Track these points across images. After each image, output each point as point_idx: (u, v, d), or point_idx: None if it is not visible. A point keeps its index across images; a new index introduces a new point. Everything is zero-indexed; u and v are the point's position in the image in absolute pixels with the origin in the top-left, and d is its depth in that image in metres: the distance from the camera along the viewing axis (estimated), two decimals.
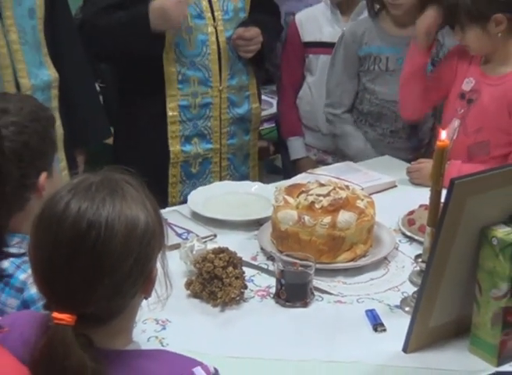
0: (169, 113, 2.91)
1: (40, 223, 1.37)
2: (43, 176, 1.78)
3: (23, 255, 1.70)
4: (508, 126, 2.65)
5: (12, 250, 1.68)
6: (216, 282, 2.03)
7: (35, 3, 2.66)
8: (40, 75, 2.72)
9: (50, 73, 2.76)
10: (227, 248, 2.12)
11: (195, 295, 2.06)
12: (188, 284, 2.07)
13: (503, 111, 2.65)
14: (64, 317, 1.30)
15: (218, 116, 3.01)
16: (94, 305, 1.33)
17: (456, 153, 2.65)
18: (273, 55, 3.40)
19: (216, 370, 1.40)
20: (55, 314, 1.31)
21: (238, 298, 2.03)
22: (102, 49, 2.95)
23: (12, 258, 1.69)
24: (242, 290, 2.05)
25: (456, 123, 2.66)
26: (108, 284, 1.33)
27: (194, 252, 2.12)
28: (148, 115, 2.93)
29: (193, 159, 3.00)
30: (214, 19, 2.90)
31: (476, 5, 2.55)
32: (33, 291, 1.63)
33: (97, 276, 1.32)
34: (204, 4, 2.86)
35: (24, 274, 1.67)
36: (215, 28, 2.90)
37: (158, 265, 1.45)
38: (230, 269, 2.04)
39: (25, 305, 1.67)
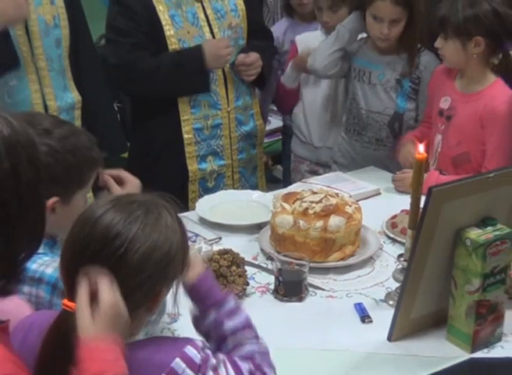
0: (185, 136, 2.89)
1: (78, 221, 1.38)
2: (52, 199, 1.72)
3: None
4: (482, 138, 2.65)
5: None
6: (221, 280, 2.02)
7: (61, 34, 2.67)
8: (65, 98, 2.72)
9: (74, 96, 2.76)
10: (231, 250, 2.13)
11: None
12: None
13: (477, 124, 2.64)
14: (72, 305, 1.31)
15: (228, 134, 2.99)
16: None
17: (442, 164, 2.66)
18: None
19: (203, 342, 1.40)
20: (65, 301, 1.32)
21: (241, 294, 2.04)
22: (143, 90, 2.92)
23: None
24: (244, 286, 2.05)
25: (438, 137, 2.67)
26: (119, 290, 1.32)
27: (202, 253, 2.11)
28: (164, 137, 2.90)
29: (209, 175, 2.98)
30: None
31: (466, 22, 2.55)
32: (48, 271, 1.65)
33: (118, 277, 1.32)
34: (208, 35, 2.85)
35: (35, 264, 1.66)
36: None
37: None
38: (234, 268, 2.05)
39: (54, 287, 1.66)
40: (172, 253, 1.37)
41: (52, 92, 2.68)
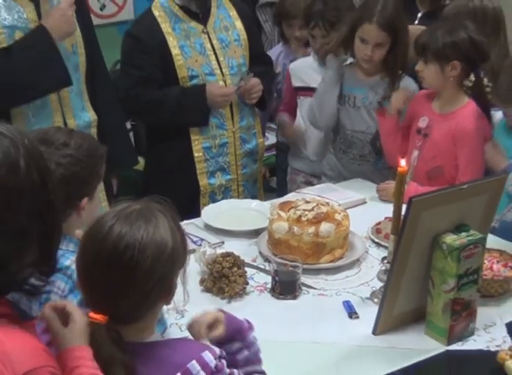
0: (195, 154, 2.89)
1: (87, 238, 1.37)
2: (84, 200, 1.77)
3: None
4: (455, 153, 2.65)
5: (61, 247, 1.67)
6: (224, 279, 2.03)
7: (79, 60, 2.67)
8: (82, 117, 2.72)
9: (90, 115, 2.76)
10: (232, 253, 2.13)
11: (207, 290, 2.06)
12: (201, 281, 2.08)
13: (450, 142, 2.65)
14: (98, 317, 1.31)
15: (233, 152, 2.99)
16: (122, 311, 1.33)
17: (417, 177, 2.66)
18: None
19: (221, 351, 1.38)
20: (91, 314, 1.32)
21: (241, 292, 2.04)
22: (149, 120, 2.96)
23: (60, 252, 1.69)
24: (244, 285, 2.06)
25: (415, 153, 2.67)
26: (135, 295, 1.33)
27: (206, 256, 2.11)
28: (176, 155, 2.89)
29: (218, 189, 2.97)
30: (222, 74, 2.88)
31: (444, 48, 2.56)
32: None
33: (126, 287, 1.32)
34: (214, 63, 2.84)
35: (68, 260, 1.66)
36: (225, 82, 2.88)
37: (179, 280, 1.43)
38: (235, 269, 2.05)
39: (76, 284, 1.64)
40: (175, 249, 1.37)
41: (71, 111, 2.67)
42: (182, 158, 2.89)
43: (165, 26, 2.78)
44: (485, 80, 2.82)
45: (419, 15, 3.32)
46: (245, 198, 2.96)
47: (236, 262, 2.08)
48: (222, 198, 2.97)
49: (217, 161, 2.93)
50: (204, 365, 1.32)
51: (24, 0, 2.48)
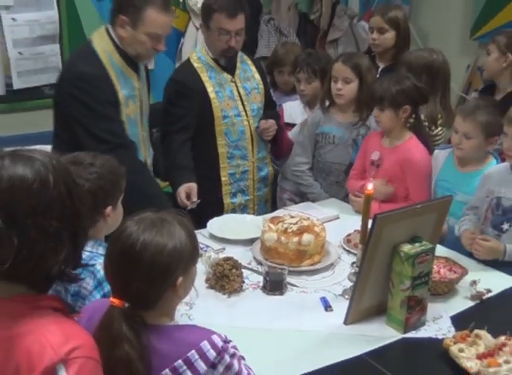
0: (223, 179, 2.89)
1: (113, 240, 1.40)
2: (109, 208, 1.78)
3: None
4: (404, 178, 2.67)
5: (87, 249, 1.68)
6: (225, 279, 2.04)
7: (148, 112, 2.71)
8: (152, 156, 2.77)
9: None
10: (232, 257, 2.13)
11: (211, 287, 2.06)
12: (206, 280, 2.08)
13: (399, 169, 2.67)
14: (115, 301, 1.33)
15: (252, 178, 2.99)
16: (133, 295, 1.34)
17: (375, 198, 2.66)
18: None
19: (226, 337, 1.39)
20: (112, 299, 1.34)
21: (239, 289, 2.05)
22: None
23: (87, 253, 1.69)
24: (241, 284, 2.06)
25: (371, 180, 2.64)
26: (140, 283, 1.33)
27: (211, 259, 2.12)
28: (207, 178, 2.85)
29: (238, 207, 2.96)
30: (247, 115, 2.89)
31: (397, 97, 2.59)
32: (103, 273, 1.64)
33: (131, 275, 1.34)
34: (240, 107, 2.86)
35: (96, 262, 1.68)
36: (248, 121, 2.90)
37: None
38: (234, 270, 2.06)
39: (100, 282, 1.67)
40: (178, 250, 1.37)
41: (148, 153, 2.71)
42: (211, 181, 2.87)
43: (203, 75, 2.81)
44: (422, 116, 2.87)
45: (379, 70, 3.33)
46: (258, 214, 2.90)
47: (235, 265, 2.08)
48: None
49: (239, 184, 2.94)
50: (213, 345, 1.34)
51: (131, 72, 2.50)
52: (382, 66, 3.37)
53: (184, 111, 2.77)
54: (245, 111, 2.89)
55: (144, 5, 2.33)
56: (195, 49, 3.13)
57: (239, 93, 2.88)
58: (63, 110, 2.41)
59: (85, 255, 1.68)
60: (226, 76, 2.86)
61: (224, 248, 2.34)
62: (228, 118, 2.84)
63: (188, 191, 2.70)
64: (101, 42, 2.43)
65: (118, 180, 1.83)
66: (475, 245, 2.22)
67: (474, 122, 2.42)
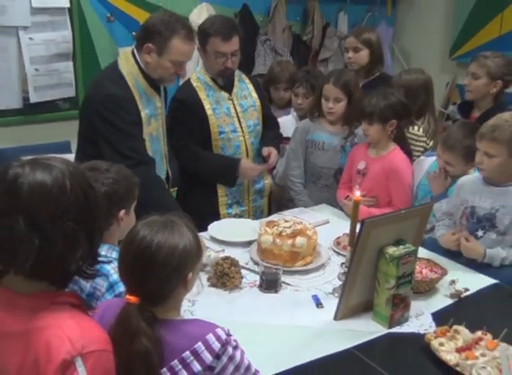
0: (219, 190, 2.84)
1: (124, 241, 1.39)
2: (122, 212, 1.78)
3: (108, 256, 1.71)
4: (387, 185, 2.68)
5: (102, 253, 1.66)
6: (225, 277, 2.04)
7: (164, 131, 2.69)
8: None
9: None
10: (230, 256, 2.14)
11: (213, 285, 2.06)
12: (208, 279, 2.09)
13: (383, 177, 2.68)
14: (131, 298, 1.32)
15: (247, 190, 2.93)
16: (148, 293, 1.33)
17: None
18: None
19: (228, 330, 1.39)
20: (127, 296, 1.33)
21: (239, 285, 2.05)
22: (192, 168, 2.86)
23: (102, 258, 1.68)
24: (240, 280, 2.06)
25: (357, 187, 2.61)
26: (155, 281, 1.33)
27: (212, 259, 2.13)
28: (203, 190, 2.83)
29: (234, 217, 2.88)
30: (243, 131, 2.84)
31: (385, 112, 2.62)
32: (115, 276, 1.63)
33: (148, 275, 1.33)
34: (237, 123, 2.81)
35: (109, 266, 1.67)
36: (244, 137, 2.85)
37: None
38: (233, 268, 2.06)
39: (111, 285, 1.66)
40: (187, 249, 1.37)
41: (169, 167, 2.72)
42: (208, 193, 2.84)
43: (202, 94, 2.78)
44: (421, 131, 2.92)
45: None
46: None
47: (233, 263, 2.09)
48: None
49: (234, 196, 2.89)
50: (217, 337, 1.34)
51: (153, 93, 2.51)
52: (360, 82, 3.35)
53: (186, 127, 2.76)
54: (241, 127, 2.85)
55: (171, 35, 2.35)
56: (196, 69, 3.10)
57: (235, 110, 2.84)
58: (90, 126, 2.42)
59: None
60: (224, 94, 2.83)
61: (223, 250, 2.34)
62: (224, 133, 2.80)
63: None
64: (126, 64, 2.45)
65: (131, 186, 1.84)
66: (463, 242, 2.24)
67: (455, 153, 2.47)
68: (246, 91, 2.91)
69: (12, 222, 1.11)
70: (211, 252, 2.20)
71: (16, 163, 1.18)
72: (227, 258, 2.11)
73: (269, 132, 2.99)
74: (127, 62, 2.45)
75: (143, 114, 2.43)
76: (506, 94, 2.97)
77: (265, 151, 2.84)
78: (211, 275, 2.08)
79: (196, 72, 2.92)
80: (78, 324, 1.15)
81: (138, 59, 2.44)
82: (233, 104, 2.84)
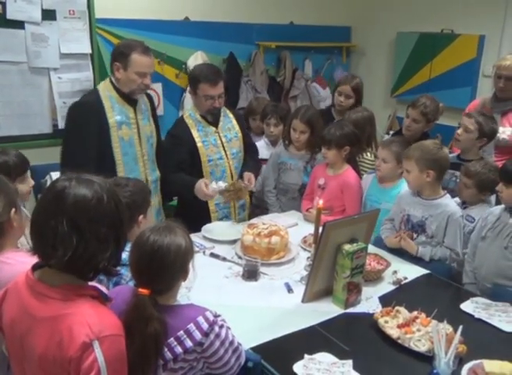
0: (210, 208, 2.74)
1: (135, 245, 1.36)
2: (141, 217, 1.76)
3: None
4: (341, 197, 2.68)
5: (127, 249, 1.64)
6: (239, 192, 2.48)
7: (154, 141, 2.68)
8: (154, 174, 2.68)
9: (157, 173, 2.71)
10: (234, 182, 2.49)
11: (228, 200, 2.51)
12: (225, 198, 2.52)
13: (339, 191, 2.68)
14: (144, 291, 1.30)
15: (233, 206, 2.80)
16: (159, 287, 1.32)
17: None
18: None
19: (216, 312, 1.38)
20: (140, 289, 1.30)
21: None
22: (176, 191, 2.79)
23: (127, 253, 1.65)
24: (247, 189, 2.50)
25: (317, 199, 2.65)
26: (167, 277, 1.33)
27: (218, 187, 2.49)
28: (197, 209, 2.69)
29: None
30: (228, 158, 2.75)
31: (341, 140, 2.63)
32: None
33: (162, 273, 1.31)
34: (222, 152, 2.74)
35: None
36: (228, 163, 2.75)
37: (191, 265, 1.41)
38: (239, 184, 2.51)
39: None
40: (188, 248, 1.37)
41: (149, 170, 2.63)
42: (202, 210, 2.72)
43: (193, 130, 2.71)
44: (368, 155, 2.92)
45: (335, 121, 3.25)
46: None
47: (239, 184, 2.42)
48: None
49: (223, 211, 2.79)
50: (206, 319, 1.33)
51: (126, 105, 2.50)
52: (337, 118, 3.32)
53: (179, 156, 2.69)
54: (226, 155, 2.76)
55: (130, 51, 2.40)
56: (187, 108, 3.00)
57: (221, 141, 2.76)
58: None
59: (125, 254, 1.65)
60: (211, 128, 2.74)
61: (214, 246, 2.31)
62: (212, 161, 2.72)
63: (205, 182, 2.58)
64: (103, 84, 2.54)
65: (146, 195, 1.83)
66: (402, 242, 2.27)
67: (390, 150, 2.53)
68: (229, 124, 2.83)
69: (56, 223, 1.10)
70: (220, 183, 2.43)
71: (64, 177, 1.17)
72: (234, 183, 2.41)
73: (250, 161, 2.88)
74: (104, 83, 2.54)
75: (111, 120, 2.45)
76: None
77: (246, 176, 2.70)
78: (228, 194, 2.36)
79: (188, 110, 2.85)
80: (96, 312, 1.13)
81: (113, 80, 2.50)
82: (219, 136, 2.75)
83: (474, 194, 2.43)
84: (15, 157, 2.01)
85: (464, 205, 2.47)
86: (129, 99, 2.52)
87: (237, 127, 2.86)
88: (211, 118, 2.75)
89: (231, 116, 2.88)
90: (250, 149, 2.94)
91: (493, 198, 2.48)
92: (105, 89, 2.50)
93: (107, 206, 1.15)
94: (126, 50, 2.41)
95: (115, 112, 2.47)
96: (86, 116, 2.45)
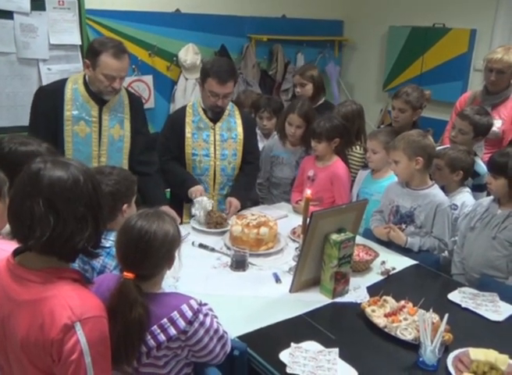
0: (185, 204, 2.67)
1: (122, 230, 1.35)
2: (125, 205, 1.75)
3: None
4: (330, 189, 2.69)
5: (111, 238, 1.64)
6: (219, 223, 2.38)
7: (123, 146, 2.48)
8: None
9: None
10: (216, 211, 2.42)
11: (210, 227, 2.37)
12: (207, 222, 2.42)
13: (328, 182, 2.68)
14: (129, 275, 1.29)
15: (212, 208, 2.58)
16: (144, 271, 1.31)
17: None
18: None
19: (201, 301, 1.37)
20: (125, 273, 1.30)
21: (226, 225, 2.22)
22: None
23: (111, 242, 1.64)
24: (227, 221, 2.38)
25: (306, 190, 2.58)
26: (152, 261, 1.31)
27: (203, 203, 2.44)
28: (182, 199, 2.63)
29: None
30: (215, 157, 2.63)
31: (330, 132, 2.63)
32: None
33: (147, 257, 1.30)
34: (211, 150, 2.63)
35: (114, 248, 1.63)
36: (214, 163, 2.63)
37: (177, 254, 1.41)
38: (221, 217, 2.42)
39: (118, 264, 1.60)
40: (174, 235, 1.36)
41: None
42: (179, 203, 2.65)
43: (188, 119, 2.63)
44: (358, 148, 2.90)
45: None
46: None
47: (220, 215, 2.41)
48: None
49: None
50: (190, 307, 1.32)
51: (91, 102, 2.38)
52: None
53: (168, 143, 2.64)
54: (215, 154, 2.63)
55: (100, 50, 2.26)
56: (195, 97, 2.89)
57: (214, 138, 2.63)
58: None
59: (109, 243, 1.65)
60: (208, 122, 2.63)
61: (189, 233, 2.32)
62: (196, 156, 2.61)
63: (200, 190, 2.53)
64: (74, 76, 2.45)
65: (131, 184, 1.80)
66: (391, 232, 2.27)
67: (377, 140, 2.58)
68: (232, 125, 2.68)
69: (32, 203, 1.09)
70: (204, 198, 2.40)
71: (39, 160, 1.16)
72: (213, 212, 2.39)
73: (243, 178, 2.70)
74: (78, 75, 2.45)
75: (68, 113, 2.33)
76: (421, 118, 2.94)
77: (227, 202, 2.57)
78: (209, 221, 2.38)
79: (194, 99, 2.79)
80: (78, 295, 1.12)
81: (86, 76, 2.40)
82: (214, 133, 2.63)
83: (447, 175, 2.45)
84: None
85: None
86: (97, 97, 2.37)
87: (240, 130, 2.68)
88: (212, 115, 2.64)
89: (238, 116, 2.70)
90: (249, 157, 2.74)
91: (485, 194, 2.51)
92: (74, 81, 2.39)
93: (83, 187, 1.14)
94: (98, 48, 2.27)
95: (74, 106, 2.34)
96: (39, 101, 2.36)
